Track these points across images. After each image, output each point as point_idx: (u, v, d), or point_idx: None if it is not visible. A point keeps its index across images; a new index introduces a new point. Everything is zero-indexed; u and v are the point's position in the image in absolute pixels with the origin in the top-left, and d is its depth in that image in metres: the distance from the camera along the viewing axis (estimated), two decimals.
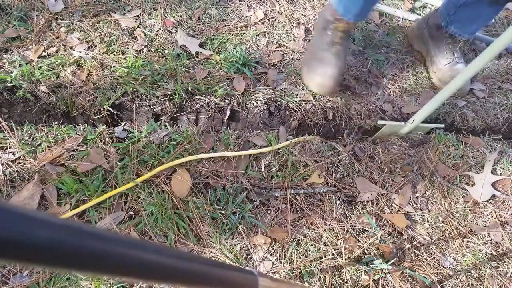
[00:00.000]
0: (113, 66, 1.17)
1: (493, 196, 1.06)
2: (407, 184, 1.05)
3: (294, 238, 0.91)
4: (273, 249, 0.90)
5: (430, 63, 1.40)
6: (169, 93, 1.13)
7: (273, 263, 0.87)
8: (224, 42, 1.32)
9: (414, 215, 1.01)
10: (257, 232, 0.92)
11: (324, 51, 1.15)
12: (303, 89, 1.24)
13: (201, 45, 1.29)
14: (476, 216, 1.02)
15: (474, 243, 0.97)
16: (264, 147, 1.06)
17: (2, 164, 0.91)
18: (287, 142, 1.07)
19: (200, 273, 0.33)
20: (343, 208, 0.98)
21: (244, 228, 0.92)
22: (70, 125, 1.04)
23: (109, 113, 1.12)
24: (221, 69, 1.23)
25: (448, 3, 1.31)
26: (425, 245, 0.95)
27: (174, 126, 1.12)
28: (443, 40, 1.36)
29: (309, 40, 1.43)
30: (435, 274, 0.91)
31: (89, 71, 1.14)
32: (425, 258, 0.93)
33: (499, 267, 0.94)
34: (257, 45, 1.35)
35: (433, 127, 1.22)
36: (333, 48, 1.15)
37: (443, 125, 1.23)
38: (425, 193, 1.05)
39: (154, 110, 1.14)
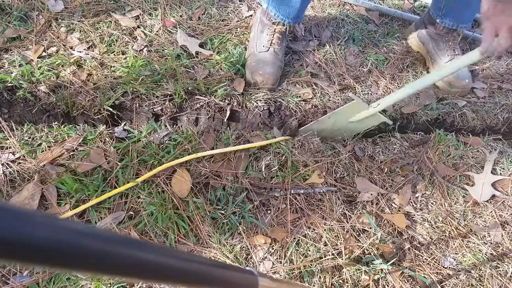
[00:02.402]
0: (113, 66, 1.17)
1: (493, 196, 1.06)
2: (407, 184, 1.05)
3: (294, 238, 0.91)
4: (273, 249, 0.90)
5: (431, 62, 1.40)
6: (169, 93, 1.13)
7: (273, 263, 0.87)
8: (224, 42, 1.32)
9: (414, 215, 1.01)
10: (257, 232, 0.92)
11: (263, 52, 1.24)
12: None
13: (201, 45, 1.29)
14: (476, 216, 1.02)
15: (474, 243, 0.97)
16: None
17: (2, 164, 0.91)
18: (274, 140, 1.06)
19: (200, 273, 0.33)
20: (343, 208, 0.98)
21: (244, 228, 0.92)
22: (70, 125, 1.04)
23: (109, 113, 1.12)
24: (221, 69, 1.23)
25: None
26: (425, 245, 0.95)
27: (174, 126, 1.12)
28: (442, 38, 1.36)
29: (310, 41, 1.43)
30: (435, 274, 0.91)
31: (89, 71, 1.14)
32: (425, 258, 0.93)
33: (499, 267, 0.94)
34: None
35: (384, 121, 1.15)
36: (271, 48, 1.25)
37: (391, 122, 1.18)
38: (425, 193, 1.05)
39: (154, 110, 1.14)
